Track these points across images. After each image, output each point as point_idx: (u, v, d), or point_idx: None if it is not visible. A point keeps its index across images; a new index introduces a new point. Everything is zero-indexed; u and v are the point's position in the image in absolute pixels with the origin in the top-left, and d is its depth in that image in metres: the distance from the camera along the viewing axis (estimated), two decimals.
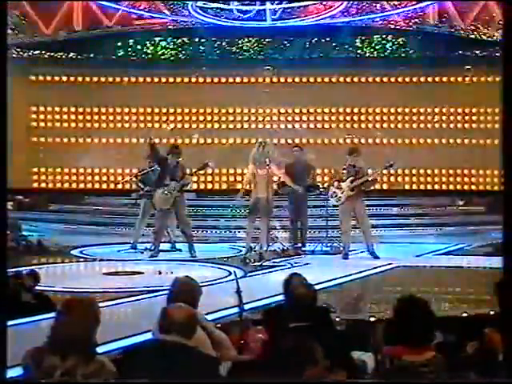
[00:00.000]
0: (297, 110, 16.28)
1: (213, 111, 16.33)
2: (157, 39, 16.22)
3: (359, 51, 16.20)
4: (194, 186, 14.54)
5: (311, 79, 16.26)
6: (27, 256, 11.38)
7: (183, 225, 11.40)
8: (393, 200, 15.29)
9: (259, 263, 10.41)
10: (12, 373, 4.04)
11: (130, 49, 16.29)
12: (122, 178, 15.86)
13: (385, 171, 12.76)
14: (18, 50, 15.71)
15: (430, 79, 16.16)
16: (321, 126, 16.28)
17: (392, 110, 16.27)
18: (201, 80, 16.30)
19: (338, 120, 16.30)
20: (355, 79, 16.22)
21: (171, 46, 16.30)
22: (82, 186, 16.37)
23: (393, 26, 15.63)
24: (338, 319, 6.06)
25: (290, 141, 15.10)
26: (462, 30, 15.22)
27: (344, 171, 11.17)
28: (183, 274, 5.09)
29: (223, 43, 16.21)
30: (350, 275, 9.54)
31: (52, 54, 16.10)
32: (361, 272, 9.81)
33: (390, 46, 16.15)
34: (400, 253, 11.91)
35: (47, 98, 16.18)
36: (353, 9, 15.49)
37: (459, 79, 16.12)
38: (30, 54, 16.05)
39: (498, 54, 14.22)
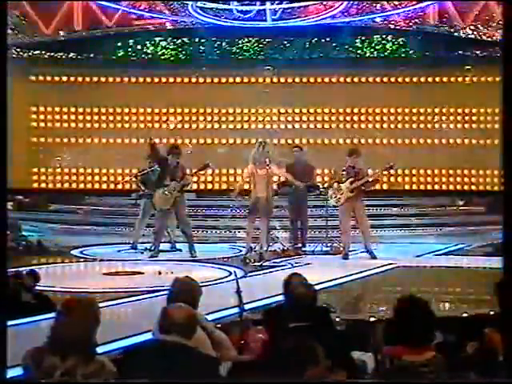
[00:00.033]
0: (297, 110, 16.28)
1: (213, 111, 16.34)
2: (157, 39, 16.22)
3: (359, 51, 16.20)
4: (194, 186, 14.53)
5: (311, 79, 16.27)
6: (27, 256, 11.37)
7: (183, 225, 11.39)
8: (393, 200, 15.29)
9: (259, 263, 10.41)
10: (12, 373, 4.04)
11: (129, 49, 16.29)
12: (122, 178, 15.87)
13: (384, 172, 12.75)
14: (18, 50, 15.72)
15: (430, 79, 16.16)
16: (321, 126, 16.28)
17: (392, 110, 16.27)
18: (201, 80, 16.31)
19: (338, 120, 16.30)
20: (355, 79, 16.22)
21: (171, 46, 16.30)
22: (81, 186, 16.37)
23: (393, 26, 15.63)
24: (338, 319, 6.06)
25: (289, 141, 15.10)
26: (462, 30, 15.23)
27: (343, 172, 11.17)
28: (183, 274, 5.09)
29: (223, 43, 16.21)
30: (350, 275, 9.53)
31: (52, 54, 16.10)
32: (361, 272, 9.81)
33: (390, 46, 16.15)
34: (400, 253, 11.91)
35: (47, 98, 16.19)
36: (353, 9, 15.50)
37: (459, 79, 16.13)
38: (30, 54, 16.05)
39: (497, 54, 14.21)
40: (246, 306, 5.39)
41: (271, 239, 11.41)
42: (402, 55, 16.11)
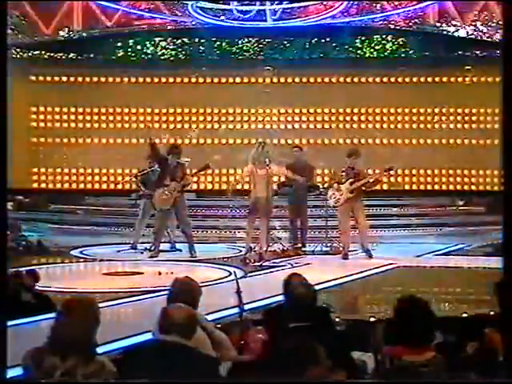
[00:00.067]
0: (297, 110, 16.29)
1: (213, 111, 16.34)
2: (157, 39, 16.22)
3: (359, 51, 16.20)
4: (194, 187, 14.53)
5: (311, 79, 16.27)
6: (27, 256, 11.37)
7: (183, 225, 11.39)
8: (393, 200, 15.29)
9: (259, 263, 10.41)
10: (12, 373, 4.04)
11: (129, 49, 16.29)
12: (122, 178, 15.88)
13: (384, 173, 12.74)
14: (18, 50, 15.72)
15: (429, 79, 16.16)
16: (321, 126, 16.29)
17: (392, 111, 16.27)
18: (201, 80, 16.31)
19: (338, 120, 16.31)
20: (355, 79, 16.23)
21: (171, 47, 16.31)
22: (81, 186, 16.37)
23: (393, 27, 15.63)
24: (338, 319, 6.06)
25: (289, 141, 15.09)
26: (462, 30, 15.22)
27: (343, 173, 11.17)
28: (183, 275, 5.09)
29: (223, 43, 16.22)
30: (350, 275, 9.53)
31: (52, 54, 16.11)
32: (361, 272, 9.81)
33: (390, 47, 16.16)
34: (400, 253, 11.91)
35: (47, 99, 16.19)
36: (353, 9, 15.50)
37: (459, 79, 16.13)
38: (30, 54, 16.05)
39: (498, 54, 14.21)
40: (246, 306, 5.38)
41: (271, 239, 11.41)
42: (402, 55, 16.12)
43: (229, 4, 15.63)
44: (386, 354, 3.88)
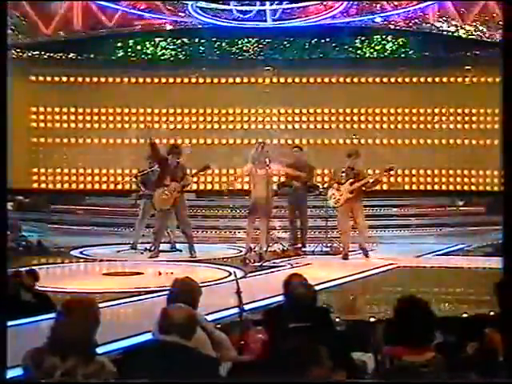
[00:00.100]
0: (297, 111, 16.29)
1: (213, 112, 16.34)
2: (157, 40, 16.23)
3: (359, 52, 16.22)
4: (194, 187, 14.53)
5: (311, 79, 16.27)
6: (27, 256, 11.37)
7: (184, 225, 11.39)
8: (393, 200, 15.29)
9: (259, 263, 10.40)
10: (12, 373, 4.04)
11: (129, 49, 16.30)
12: (122, 178, 15.88)
13: (384, 173, 12.75)
14: (18, 50, 15.72)
15: (429, 79, 16.17)
16: (321, 127, 16.29)
17: (392, 111, 16.28)
18: (201, 80, 16.31)
19: (338, 120, 16.31)
20: (355, 80, 16.23)
21: (171, 47, 16.31)
22: (81, 186, 16.37)
23: (393, 27, 15.63)
24: (338, 319, 6.06)
25: (289, 141, 15.10)
26: (462, 31, 15.22)
27: (343, 174, 11.17)
28: (183, 275, 5.09)
29: (223, 44, 16.23)
30: (350, 276, 9.53)
31: (52, 54, 16.11)
32: (361, 272, 9.81)
33: (390, 47, 16.17)
34: (400, 253, 11.90)
35: (47, 99, 16.19)
36: (353, 9, 15.50)
37: (459, 80, 16.13)
38: (30, 54, 16.06)
39: (497, 55, 14.21)
40: (246, 307, 5.39)
41: (271, 239, 11.41)
42: (402, 55, 16.13)
43: (229, 4, 15.63)
44: (386, 355, 3.88)
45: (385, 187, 15.12)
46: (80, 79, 16.24)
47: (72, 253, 11.90)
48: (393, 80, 16.22)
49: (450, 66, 15.89)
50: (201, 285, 4.87)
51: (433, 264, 10.86)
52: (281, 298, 4.87)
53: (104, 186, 16.30)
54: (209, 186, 16.26)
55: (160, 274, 9.56)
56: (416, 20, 15.42)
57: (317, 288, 5.10)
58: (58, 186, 16.36)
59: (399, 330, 3.62)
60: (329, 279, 8.90)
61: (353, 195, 11.04)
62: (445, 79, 16.13)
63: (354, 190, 11.03)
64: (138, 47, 16.31)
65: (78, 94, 16.13)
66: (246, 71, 16.27)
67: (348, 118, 16.28)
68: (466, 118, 16.16)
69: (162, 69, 16.27)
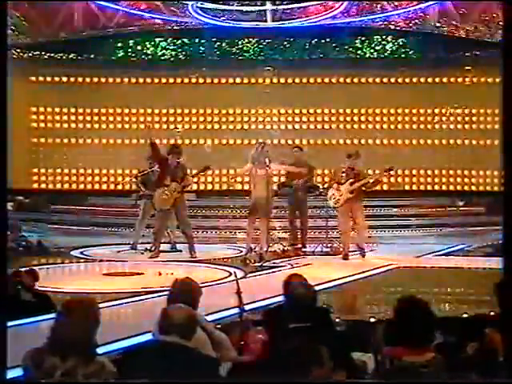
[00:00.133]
0: (297, 111, 16.29)
1: (213, 112, 16.34)
2: (157, 40, 16.24)
3: (359, 52, 16.23)
4: (194, 187, 14.52)
5: (311, 80, 16.27)
6: (27, 257, 11.37)
7: (184, 225, 11.38)
8: (393, 200, 15.29)
9: (259, 264, 10.40)
10: (12, 373, 4.04)
11: (130, 49, 16.30)
12: (122, 178, 15.87)
13: (384, 173, 12.75)
14: (18, 50, 15.72)
15: (430, 80, 16.17)
16: (321, 127, 16.29)
17: (392, 111, 16.28)
18: (201, 81, 16.31)
19: (338, 120, 16.31)
20: (355, 80, 16.23)
21: (171, 47, 16.32)
22: (82, 186, 16.37)
23: (393, 27, 15.64)
24: (338, 320, 6.05)
25: (290, 141, 15.10)
26: (462, 31, 15.22)
27: (343, 174, 11.17)
28: (183, 275, 5.09)
29: (223, 44, 16.23)
30: (350, 276, 9.53)
31: (52, 54, 16.12)
32: (361, 273, 9.80)
33: (390, 47, 16.17)
34: (400, 253, 11.91)
35: (47, 99, 16.19)
36: (353, 9, 15.50)
37: (459, 80, 16.14)
38: (30, 54, 16.06)
39: (498, 55, 14.20)
40: (246, 307, 5.38)
41: (271, 240, 11.41)
42: (402, 56, 16.14)
43: (229, 4, 15.62)
44: (386, 355, 3.88)
45: (385, 187, 15.13)
46: (80, 79, 16.24)
47: (72, 253, 11.90)
48: (393, 80, 16.22)
49: (450, 66, 15.89)
50: (201, 285, 4.87)
51: (433, 264, 10.86)
52: (281, 298, 4.87)
53: (104, 187, 16.30)
54: (209, 187, 16.25)
55: (160, 274, 9.55)
56: (416, 20, 15.42)
57: (317, 288, 5.10)
58: (58, 186, 16.36)
59: (399, 331, 3.62)
60: (329, 279, 8.90)
61: (353, 195, 11.04)
62: (445, 79, 16.14)
63: (354, 190, 11.03)
64: (138, 47, 16.32)
65: (78, 94, 16.13)
66: (246, 71, 16.28)
67: (348, 119, 16.28)
68: (466, 118, 16.17)
69: (162, 69, 16.27)
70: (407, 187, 16.19)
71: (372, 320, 6.40)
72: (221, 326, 5.33)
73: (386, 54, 16.18)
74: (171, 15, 15.70)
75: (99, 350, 3.67)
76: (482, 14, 15.06)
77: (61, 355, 3.40)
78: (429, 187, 16.26)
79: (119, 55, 16.33)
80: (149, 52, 16.35)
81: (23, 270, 7.19)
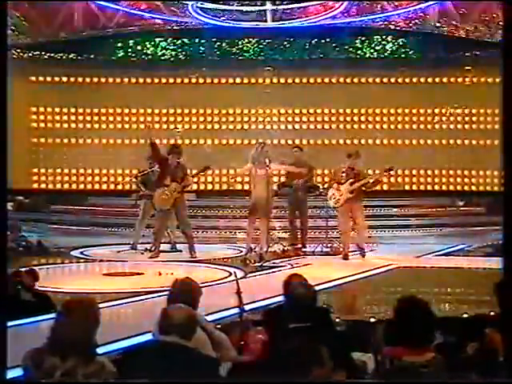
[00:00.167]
0: (297, 111, 16.29)
1: (213, 112, 16.34)
2: (157, 40, 16.24)
3: (359, 52, 16.23)
4: (194, 187, 14.52)
5: (311, 80, 16.27)
6: (27, 257, 11.37)
7: (184, 225, 11.38)
8: (393, 201, 15.29)
9: (259, 264, 10.40)
10: (12, 374, 4.04)
11: (130, 49, 16.30)
12: (122, 178, 15.88)
13: (384, 173, 12.76)
14: (18, 50, 15.72)
15: (430, 80, 16.17)
16: (321, 127, 16.29)
17: (392, 111, 16.28)
18: (201, 81, 16.31)
19: (338, 121, 16.31)
20: (355, 80, 16.23)
21: (171, 47, 16.32)
22: (82, 186, 16.37)
23: (393, 27, 15.64)
24: (338, 320, 6.05)
25: (290, 141, 15.10)
26: (463, 31, 15.22)
27: (343, 174, 11.17)
28: (183, 275, 5.09)
29: (223, 44, 16.23)
30: (350, 276, 9.53)
31: (52, 54, 16.12)
32: (361, 273, 9.80)
33: (390, 47, 16.18)
34: (400, 253, 11.91)
35: (47, 99, 16.19)
36: (353, 9, 15.50)
37: (459, 80, 16.14)
38: (30, 54, 16.06)
39: (498, 55, 14.19)
40: (246, 307, 5.38)
41: (271, 240, 11.40)
42: (402, 56, 16.14)
43: (229, 4, 15.62)
44: (386, 355, 3.88)
45: (385, 187, 15.12)
46: (80, 79, 16.24)
47: (72, 253, 11.90)
48: (393, 80, 16.22)
49: (450, 66, 15.90)
50: (201, 285, 4.87)
51: (433, 264, 10.86)
52: (281, 298, 4.87)
53: (104, 187, 16.30)
54: (209, 187, 16.25)
55: (160, 274, 9.55)
56: (416, 20, 15.42)
57: (317, 288, 5.10)
58: (58, 186, 16.36)
59: (399, 331, 3.62)
60: (329, 279, 8.90)
61: (353, 195, 11.04)
62: (445, 79, 16.14)
63: (354, 189, 11.03)
64: (139, 47, 16.32)
65: (78, 95, 16.13)
66: (246, 71, 16.28)
67: (348, 119, 16.28)
68: (466, 118, 16.17)
69: (162, 69, 16.28)
70: (407, 187, 16.19)
71: (372, 320, 6.40)
72: (221, 326, 5.33)
73: (386, 54, 16.19)
74: (171, 15, 15.70)
75: (99, 350, 3.67)
76: (481, 14, 15.06)
77: (61, 355, 3.40)
78: (429, 187, 16.26)
79: (119, 55, 16.34)
80: (149, 52, 16.35)
81: (23, 269, 7.19)
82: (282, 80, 16.32)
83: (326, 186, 12.04)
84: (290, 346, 3.43)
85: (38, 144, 16.28)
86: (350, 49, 16.14)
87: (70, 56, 16.20)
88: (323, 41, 16.03)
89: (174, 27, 15.86)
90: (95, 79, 16.28)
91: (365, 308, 8.05)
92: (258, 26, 15.67)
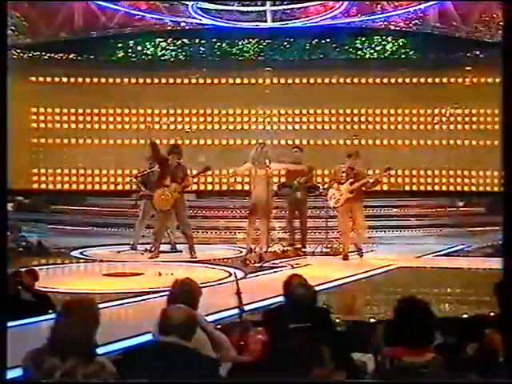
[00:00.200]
0: (297, 111, 16.30)
1: (213, 112, 16.35)
2: (157, 40, 16.24)
3: (359, 52, 16.23)
4: (194, 187, 14.53)
5: (311, 80, 16.28)
6: (27, 257, 11.36)
7: (183, 226, 11.38)
8: (393, 201, 15.29)
9: (259, 264, 10.39)
10: (12, 374, 4.04)
11: (130, 50, 16.31)
12: (122, 178, 15.88)
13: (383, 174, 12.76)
14: (19, 51, 15.73)
15: (430, 80, 16.17)
16: (321, 127, 16.30)
17: (392, 111, 16.28)
18: (201, 81, 16.32)
19: (338, 121, 16.32)
20: (355, 80, 16.23)
21: (171, 47, 16.33)
22: (82, 186, 16.38)
23: (393, 27, 15.64)
24: (338, 320, 6.05)
25: (289, 141, 15.10)
26: (463, 31, 15.23)
27: (343, 174, 11.17)
28: (183, 275, 5.09)
29: (223, 44, 16.24)
30: (350, 276, 9.53)
31: (52, 55, 16.13)
32: (361, 273, 9.80)
33: (391, 47, 16.18)
34: (400, 254, 11.91)
35: (47, 99, 16.19)
36: (353, 10, 15.50)
37: (459, 80, 16.14)
38: (31, 55, 16.07)
39: (498, 55, 14.19)
40: (246, 307, 5.38)
41: (271, 240, 11.40)
42: (402, 56, 16.15)
43: (229, 5, 15.62)
44: (386, 355, 3.88)
45: (385, 188, 15.13)
46: (80, 80, 16.25)
47: (72, 253, 11.89)
48: (393, 81, 16.23)
49: (450, 66, 15.91)
50: (201, 285, 4.87)
51: (433, 264, 10.86)
52: (281, 298, 4.87)
53: (104, 187, 16.31)
54: (209, 187, 16.26)
55: (160, 274, 9.54)
56: (416, 21, 15.43)
57: (317, 288, 5.10)
58: (58, 186, 16.36)
59: (399, 331, 3.62)
60: (329, 280, 8.89)
61: (353, 195, 11.04)
62: (445, 80, 16.14)
63: (354, 189, 11.03)
64: (139, 48, 16.32)
65: (79, 95, 16.13)
66: (246, 72, 16.28)
67: (348, 119, 16.28)
68: (466, 119, 16.18)
69: (163, 69, 16.28)
70: (407, 187, 16.20)
71: (372, 320, 6.40)
72: (221, 327, 5.33)
73: (386, 55, 16.19)
74: (171, 16, 15.71)
75: (99, 350, 3.67)
76: (482, 14, 15.07)
77: (61, 355, 3.40)
78: (429, 187, 16.27)
79: (119, 55, 16.34)
80: (149, 52, 16.36)
81: (23, 270, 7.19)
82: (282, 80, 16.32)
83: (326, 186, 12.04)
84: (289, 346, 3.43)
85: (38, 144, 16.29)
86: (350, 49, 16.15)
87: (70, 56, 16.21)
88: (323, 41, 16.04)
89: (174, 28, 15.87)
90: (95, 79, 16.29)
91: (365, 308, 8.05)
92: (258, 26, 15.68)
